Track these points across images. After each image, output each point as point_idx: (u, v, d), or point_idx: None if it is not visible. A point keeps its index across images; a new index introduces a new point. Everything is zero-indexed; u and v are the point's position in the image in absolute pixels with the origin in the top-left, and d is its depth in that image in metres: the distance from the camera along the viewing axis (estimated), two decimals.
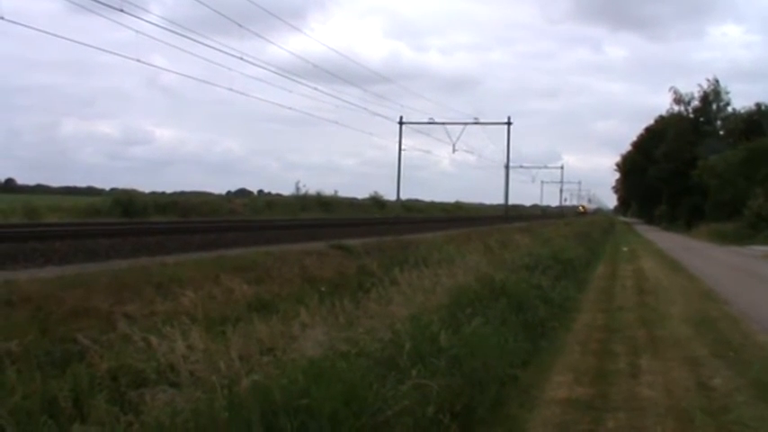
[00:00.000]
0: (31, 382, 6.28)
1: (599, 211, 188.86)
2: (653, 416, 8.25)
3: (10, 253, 14.31)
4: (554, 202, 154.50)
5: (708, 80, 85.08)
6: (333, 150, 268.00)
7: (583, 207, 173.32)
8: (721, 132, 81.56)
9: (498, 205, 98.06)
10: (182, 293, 10.75)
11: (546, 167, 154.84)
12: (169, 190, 76.57)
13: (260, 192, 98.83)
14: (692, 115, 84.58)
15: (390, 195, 76.38)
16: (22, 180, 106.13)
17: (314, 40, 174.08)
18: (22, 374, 6.50)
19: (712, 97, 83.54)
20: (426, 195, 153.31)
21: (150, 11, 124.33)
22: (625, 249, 41.09)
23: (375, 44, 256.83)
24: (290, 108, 75.58)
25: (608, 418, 8.17)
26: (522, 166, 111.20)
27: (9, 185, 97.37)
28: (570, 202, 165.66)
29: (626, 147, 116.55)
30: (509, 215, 76.14)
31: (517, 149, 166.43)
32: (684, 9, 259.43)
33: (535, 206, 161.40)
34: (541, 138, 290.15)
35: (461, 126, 69.21)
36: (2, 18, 21.64)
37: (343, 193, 78.96)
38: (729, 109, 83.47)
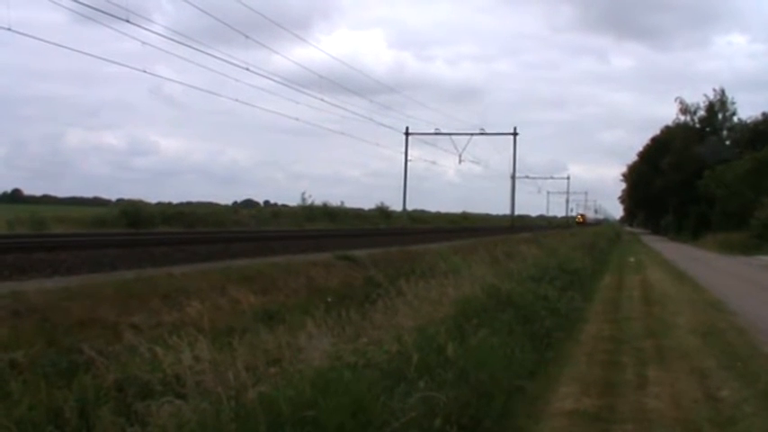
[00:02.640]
0: (36, 393, 6.28)
1: (605, 221, 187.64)
2: (660, 427, 8.23)
3: (17, 264, 14.33)
4: (560, 213, 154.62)
5: (714, 90, 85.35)
6: (338, 161, 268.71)
7: (581, 216, 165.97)
8: (728, 142, 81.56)
9: (504, 216, 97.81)
10: (188, 304, 10.75)
11: (552, 178, 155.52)
12: (175, 201, 76.81)
13: (266, 202, 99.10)
14: (698, 125, 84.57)
15: (396, 206, 76.37)
16: (28, 191, 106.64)
17: (319, 50, 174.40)
18: (28, 385, 6.51)
19: (718, 107, 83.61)
20: (432, 206, 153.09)
21: (154, 21, 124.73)
22: (631, 260, 40.99)
23: (380, 54, 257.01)
24: (295, 119, 75.42)
25: (615, 429, 8.14)
26: (528, 177, 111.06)
27: (16, 196, 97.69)
28: (576, 212, 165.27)
29: (632, 157, 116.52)
30: (515, 226, 76.05)
31: (523, 160, 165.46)
32: (689, 18, 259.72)
33: (541, 217, 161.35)
34: (547, 148, 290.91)
35: (467, 136, 69.30)
36: (9, 29, 21.74)
37: (350, 204, 78.89)
38: (735, 119, 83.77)
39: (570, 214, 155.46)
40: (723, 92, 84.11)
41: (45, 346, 8.07)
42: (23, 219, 35.03)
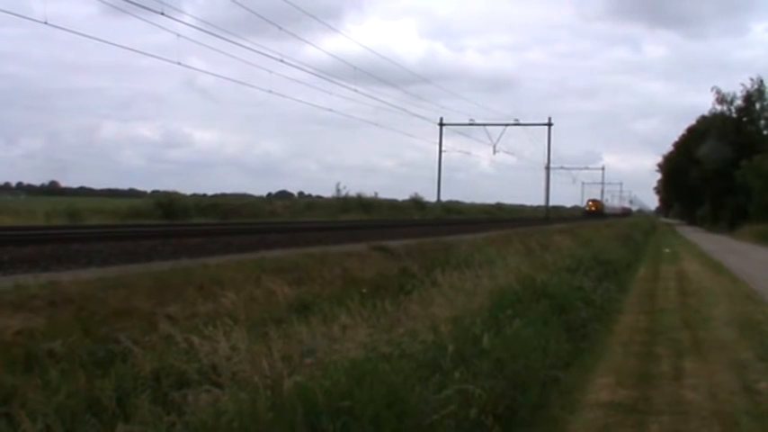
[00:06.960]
0: (74, 382, 6.34)
1: (638, 212, 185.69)
2: (697, 419, 8.16)
3: (54, 254, 14.46)
4: None
5: (751, 79, 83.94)
6: (372, 152, 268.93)
7: (592, 203, 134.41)
8: (765, 132, 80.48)
9: (539, 207, 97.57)
10: (223, 295, 10.77)
11: (587, 168, 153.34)
12: (210, 192, 77.24)
13: (300, 193, 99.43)
14: (734, 115, 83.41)
15: (430, 197, 76.50)
16: (65, 182, 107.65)
17: (351, 40, 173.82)
18: (66, 374, 6.57)
19: (756, 97, 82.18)
20: (466, 197, 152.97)
21: (185, 12, 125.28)
22: (667, 251, 40.64)
23: (411, 44, 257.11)
24: (329, 109, 75.76)
25: (651, 421, 8.09)
26: (562, 168, 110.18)
27: (52, 188, 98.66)
28: (611, 202, 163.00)
29: (667, 147, 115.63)
30: (549, 216, 75.80)
31: (557, 150, 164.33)
32: (724, 5, 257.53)
33: (576, 207, 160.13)
34: (582, 138, 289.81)
35: (501, 127, 69.04)
36: (45, 23, 21.95)
37: (383, 195, 78.95)
38: None
39: (606, 204, 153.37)
40: (761, 81, 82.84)
41: (82, 335, 8.12)
42: (60, 210, 35.45)
